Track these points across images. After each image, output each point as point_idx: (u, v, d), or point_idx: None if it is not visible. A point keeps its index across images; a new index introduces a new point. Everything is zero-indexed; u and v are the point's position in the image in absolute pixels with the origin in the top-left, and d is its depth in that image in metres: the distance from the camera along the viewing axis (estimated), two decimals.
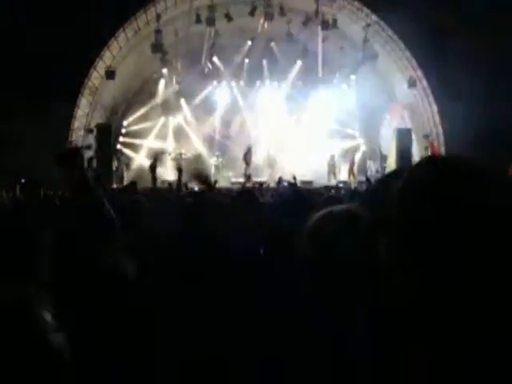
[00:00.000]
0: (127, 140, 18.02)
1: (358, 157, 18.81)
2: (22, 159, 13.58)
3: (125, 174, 16.70)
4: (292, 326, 1.62)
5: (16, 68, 13.50)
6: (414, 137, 16.81)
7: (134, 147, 18.03)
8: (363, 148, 19.58)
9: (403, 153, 16.07)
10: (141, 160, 17.69)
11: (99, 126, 16.27)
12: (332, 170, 17.99)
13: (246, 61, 18.88)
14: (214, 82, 18.91)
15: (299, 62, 18.69)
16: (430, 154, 16.20)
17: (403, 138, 16.42)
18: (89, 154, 16.27)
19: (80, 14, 13.49)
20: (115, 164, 16.38)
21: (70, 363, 1.31)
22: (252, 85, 19.24)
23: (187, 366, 1.90)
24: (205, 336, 2.08)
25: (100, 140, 15.93)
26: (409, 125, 17.65)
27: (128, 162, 17.50)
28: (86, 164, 15.90)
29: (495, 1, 13.20)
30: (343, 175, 18.03)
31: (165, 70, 17.83)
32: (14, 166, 13.17)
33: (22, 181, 10.95)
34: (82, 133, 16.20)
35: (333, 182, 16.40)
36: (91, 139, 16.22)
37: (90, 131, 16.28)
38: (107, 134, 16.00)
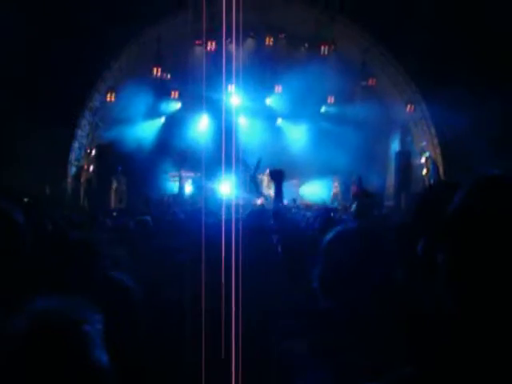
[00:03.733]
0: None
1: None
2: (21, 178, 13.50)
3: (124, 195, 16.64)
4: None
5: (15, 86, 13.49)
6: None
7: None
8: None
9: (403, 175, 16.21)
10: None
11: (99, 146, 16.29)
12: (336, 192, 18.27)
13: None
14: None
15: None
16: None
17: (402, 161, 16.57)
18: (88, 174, 16.32)
19: (82, 34, 13.56)
20: (115, 184, 16.32)
21: (112, 378, 1.32)
22: None
23: None
24: None
25: (99, 160, 15.96)
26: (407, 148, 17.80)
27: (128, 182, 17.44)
28: (85, 184, 15.94)
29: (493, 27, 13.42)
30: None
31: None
32: (13, 185, 13.08)
33: (25, 200, 10.85)
34: (82, 153, 16.21)
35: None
36: (91, 159, 16.25)
37: (90, 151, 16.30)
38: (107, 154, 16.00)
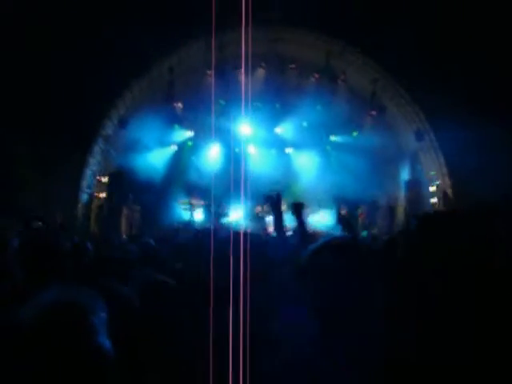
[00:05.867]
0: None
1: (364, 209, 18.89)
2: (33, 204, 13.62)
3: (136, 222, 16.76)
4: None
5: (27, 113, 13.69)
6: None
7: None
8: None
9: (412, 204, 16.22)
10: None
11: (111, 174, 16.42)
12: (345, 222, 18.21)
13: None
14: None
15: None
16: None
17: (412, 189, 16.61)
18: (99, 202, 16.45)
19: (93, 63, 13.82)
20: (126, 212, 16.45)
21: (113, 364, 1.40)
22: None
23: None
24: None
25: (111, 187, 16.07)
26: (417, 176, 17.83)
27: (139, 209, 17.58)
28: (96, 212, 16.07)
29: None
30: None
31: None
32: (23, 210, 13.19)
33: (37, 223, 10.91)
34: (94, 180, 16.36)
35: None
36: (102, 187, 16.39)
37: (102, 179, 16.45)
38: (119, 182, 16.12)
